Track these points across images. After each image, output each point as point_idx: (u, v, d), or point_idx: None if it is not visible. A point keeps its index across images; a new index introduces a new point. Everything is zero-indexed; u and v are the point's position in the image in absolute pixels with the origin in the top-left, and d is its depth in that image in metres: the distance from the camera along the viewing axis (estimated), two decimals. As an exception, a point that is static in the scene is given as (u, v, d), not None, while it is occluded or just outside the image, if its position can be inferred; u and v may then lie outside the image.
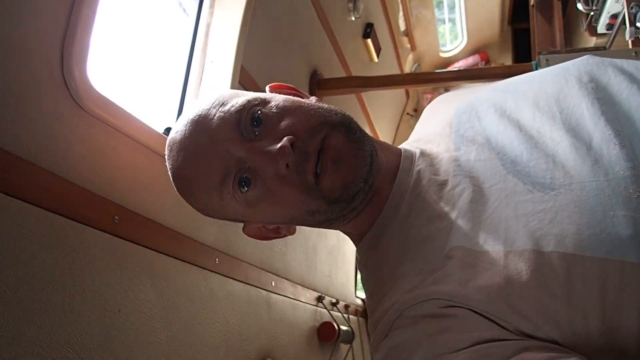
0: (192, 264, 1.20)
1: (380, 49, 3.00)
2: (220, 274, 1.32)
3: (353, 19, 2.60)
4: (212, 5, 1.60)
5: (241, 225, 0.72)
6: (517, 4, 4.18)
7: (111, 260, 0.92)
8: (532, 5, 2.30)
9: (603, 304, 0.48)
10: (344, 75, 2.57)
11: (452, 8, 4.21)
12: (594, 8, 2.60)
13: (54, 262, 0.80)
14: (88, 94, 0.91)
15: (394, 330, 0.57)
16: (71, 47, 0.87)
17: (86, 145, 0.91)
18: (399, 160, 0.70)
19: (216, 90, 0.71)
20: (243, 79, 1.56)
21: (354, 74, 2.64)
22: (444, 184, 0.65)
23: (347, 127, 0.63)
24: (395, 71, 3.53)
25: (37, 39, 0.82)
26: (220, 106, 0.64)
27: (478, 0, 4.00)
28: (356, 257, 0.75)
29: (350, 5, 2.55)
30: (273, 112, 0.63)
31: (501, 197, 0.58)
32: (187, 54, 1.55)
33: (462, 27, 4.19)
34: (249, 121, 0.63)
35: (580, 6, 2.59)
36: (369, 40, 2.82)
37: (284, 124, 0.62)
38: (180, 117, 0.68)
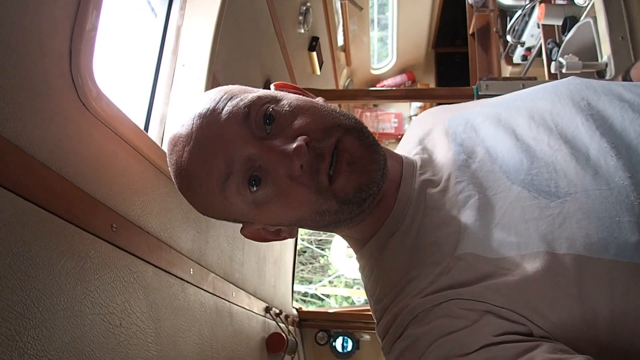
0: (173, 275, 1.15)
1: (322, 62, 3.06)
2: (194, 285, 1.28)
3: (302, 31, 2.63)
4: (182, 7, 1.55)
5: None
6: (440, 30, 4.47)
7: (111, 270, 0.87)
8: (471, 34, 2.47)
9: (611, 302, 0.51)
10: (291, 86, 2.58)
11: (384, 28, 4.39)
12: (520, 41, 2.86)
13: (68, 271, 0.74)
14: (91, 92, 0.85)
15: (409, 330, 0.57)
16: (80, 41, 0.82)
17: (90, 147, 0.85)
18: (401, 168, 0.70)
19: (224, 86, 0.68)
20: (212, 85, 1.53)
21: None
22: (446, 189, 0.65)
23: (360, 132, 0.62)
24: (332, 84, 3.60)
25: (49, 30, 0.76)
26: (229, 100, 0.62)
27: (409, 23, 4.21)
28: (359, 265, 0.74)
29: (301, 18, 2.58)
30: (285, 110, 0.62)
31: (507, 204, 0.60)
32: (155, 56, 1.48)
33: (392, 47, 4.37)
34: (261, 118, 0.61)
35: (509, 38, 2.84)
36: (314, 53, 2.87)
37: (297, 123, 0.61)
38: (186, 111, 0.64)
